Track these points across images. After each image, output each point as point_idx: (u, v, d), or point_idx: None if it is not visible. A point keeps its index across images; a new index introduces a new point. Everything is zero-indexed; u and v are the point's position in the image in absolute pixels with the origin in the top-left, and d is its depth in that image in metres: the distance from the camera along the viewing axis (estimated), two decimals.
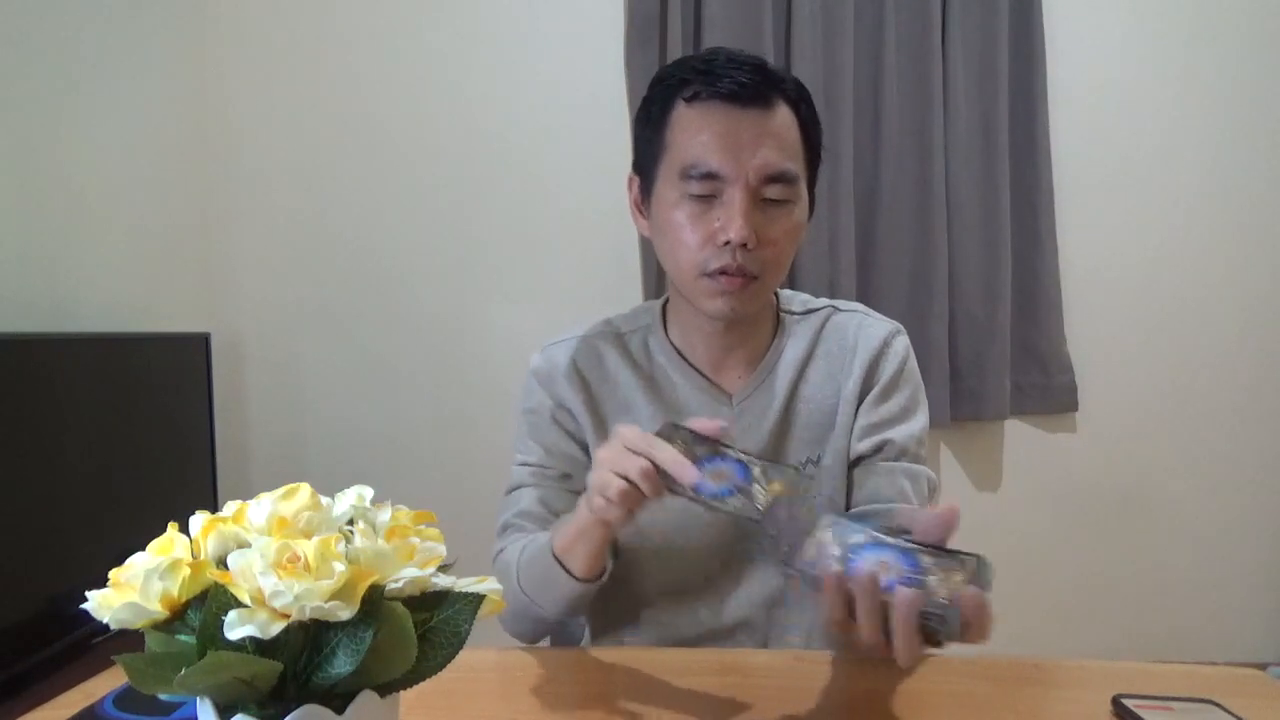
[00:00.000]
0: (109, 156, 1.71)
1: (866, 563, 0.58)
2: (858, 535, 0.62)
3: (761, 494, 0.64)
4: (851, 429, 0.94)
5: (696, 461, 0.66)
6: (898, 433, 0.93)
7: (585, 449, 0.95)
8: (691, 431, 0.70)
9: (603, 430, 0.95)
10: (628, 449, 0.68)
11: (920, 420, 0.96)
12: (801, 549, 0.62)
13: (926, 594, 0.55)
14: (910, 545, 0.60)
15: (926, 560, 0.58)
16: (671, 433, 0.70)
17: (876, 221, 2.12)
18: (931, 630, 0.55)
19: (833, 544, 0.61)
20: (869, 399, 0.94)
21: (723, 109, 0.84)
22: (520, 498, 0.94)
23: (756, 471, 0.66)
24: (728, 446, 0.69)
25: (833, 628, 0.60)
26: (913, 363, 0.98)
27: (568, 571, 0.79)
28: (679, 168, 0.85)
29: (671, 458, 0.66)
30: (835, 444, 0.94)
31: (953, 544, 0.61)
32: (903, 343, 0.97)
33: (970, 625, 0.54)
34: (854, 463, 0.94)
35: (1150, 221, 2.21)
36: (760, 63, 0.86)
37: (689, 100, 0.86)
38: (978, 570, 0.57)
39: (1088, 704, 0.71)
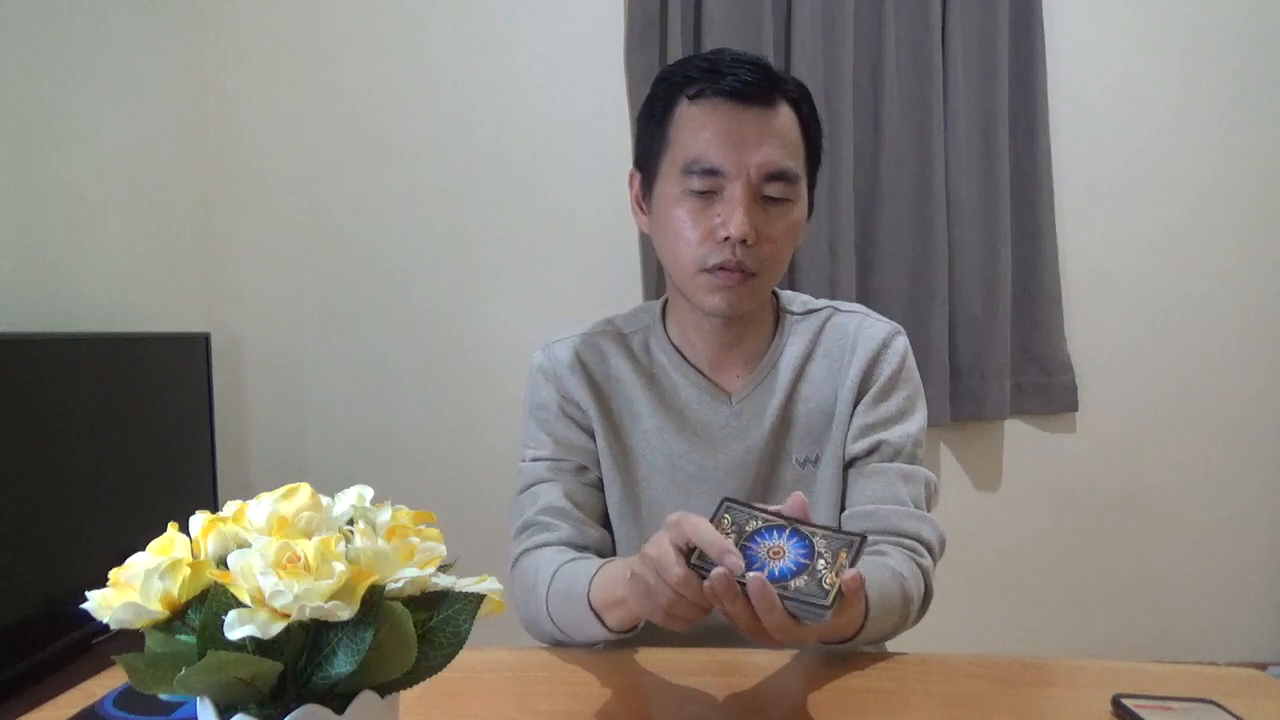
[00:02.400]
0: (109, 156, 1.71)
1: (761, 550, 0.62)
2: (754, 521, 0.64)
3: (826, 574, 0.59)
4: (848, 429, 0.94)
5: (747, 538, 0.63)
6: (893, 433, 0.93)
7: (594, 439, 0.95)
8: (743, 506, 0.66)
9: (609, 422, 0.95)
10: (669, 543, 0.63)
11: (918, 421, 0.96)
12: (697, 550, 0.63)
13: (812, 580, 0.59)
14: (803, 527, 0.63)
15: (819, 543, 0.61)
16: (721, 512, 0.66)
17: (876, 221, 2.12)
18: (799, 614, 0.58)
19: (730, 532, 0.63)
20: (866, 399, 0.94)
21: (726, 106, 0.85)
22: (540, 494, 0.93)
23: (819, 544, 0.62)
24: (771, 514, 0.65)
25: (744, 630, 0.62)
26: (911, 364, 0.98)
27: (603, 623, 0.77)
28: (681, 164, 0.86)
29: (712, 541, 0.61)
30: (833, 444, 0.94)
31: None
32: (902, 343, 0.97)
33: (848, 604, 0.59)
34: (849, 463, 0.94)
35: (1150, 221, 2.21)
36: (763, 62, 0.87)
37: (693, 98, 0.86)
38: (861, 547, 0.61)
39: (1088, 704, 0.71)
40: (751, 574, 0.58)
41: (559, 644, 0.87)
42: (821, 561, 0.60)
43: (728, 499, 0.67)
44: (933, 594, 0.87)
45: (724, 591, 0.59)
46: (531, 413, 0.98)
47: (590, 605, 0.77)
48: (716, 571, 0.59)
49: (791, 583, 0.59)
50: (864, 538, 0.61)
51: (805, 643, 0.62)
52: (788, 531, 0.63)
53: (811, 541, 0.62)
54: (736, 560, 0.60)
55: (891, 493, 0.90)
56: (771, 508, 0.66)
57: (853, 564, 0.59)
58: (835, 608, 0.58)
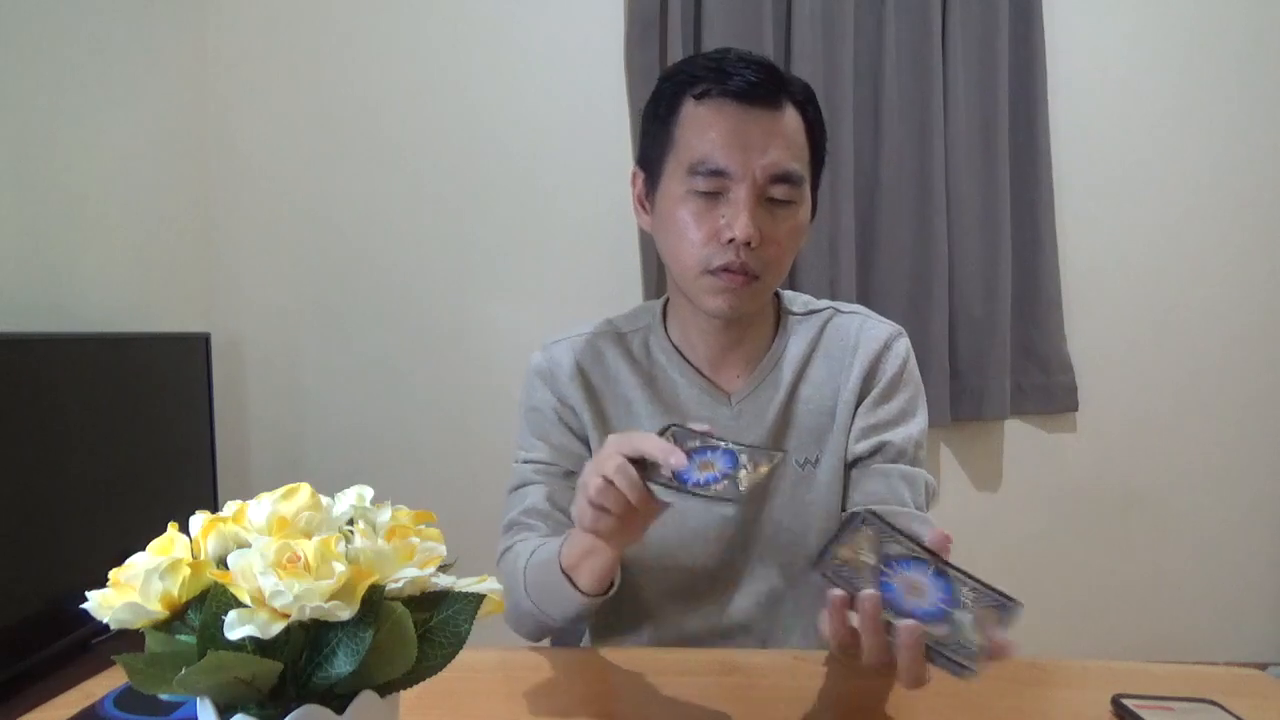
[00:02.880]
0: (109, 157, 1.71)
1: (899, 582, 0.57)
2: (895, 547, 0.61)
3: (746, 477, 0.64)
4: (850, 430, 0.94)
5: (687, 453, 0.65)
6: (896, 434, 0.93)
7: (588, 446, 0.95)
8: (685, 428, 0.70)
9: (604, 427, 0.95)
10: (609, 451, 0.67)
11: (919, 423, 0.96)
12: (831, 553, 0.60)
13: (953, 633, 0.54)
14: (950, 571, 0.58)
15: (966, 594, 0.56)
16: (665, 431, 0.70)
17: (876, 221, 2.12)
18: (942, 666, 0.53)
19: (868, 552, 0.60)
20: (868, 400, 0.94)
21: (732, 107, 0.84)
22: (526, 495, 0.94)
23: (743, 458, 0.66)
24: (719, 439, 0.69)
25: (835, 649, 0.59)
26: (913, 365, 0.98)
27: (575, 586, 0.77)
28: (686, 164, 0.86)
29: (656, 445, 0.65)
30: (834, 445, 0.94)
31: (952, 543, 0.61)
32: (903, 345, 0.97)
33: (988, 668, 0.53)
34: (851, 464, 0.94)
35: (1150, 221, 2.21)
36: (769, 64, 0.87)
37: (699, 97, 0.86)
38: (1013, 617, 0.55)
39: (1088, 704, 0.71)
40: (908, 624, 0.54)
41: (542, 629, 0.87)
42: (743, 470, 0.62)
43: (670, 424, 0.71)
44: None
45: (870, 613, 0.55)
46: (526, 414, 0.98)
47: (561, 568, 0.78)
48: (866, 593, 0.55)
49: (714, 486, 0.61)
50: (1020, 605, 0.56)
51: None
52: (721, 449, 0.65)
53: (738, 455, 0.64)
54: (681, 459, 0.63)
55: (895, 494, 0.91)
56: (908, 535, 0.63)
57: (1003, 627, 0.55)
58: (969, 666, 0.53)
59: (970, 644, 0.53)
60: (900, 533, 0.62)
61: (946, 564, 0.59)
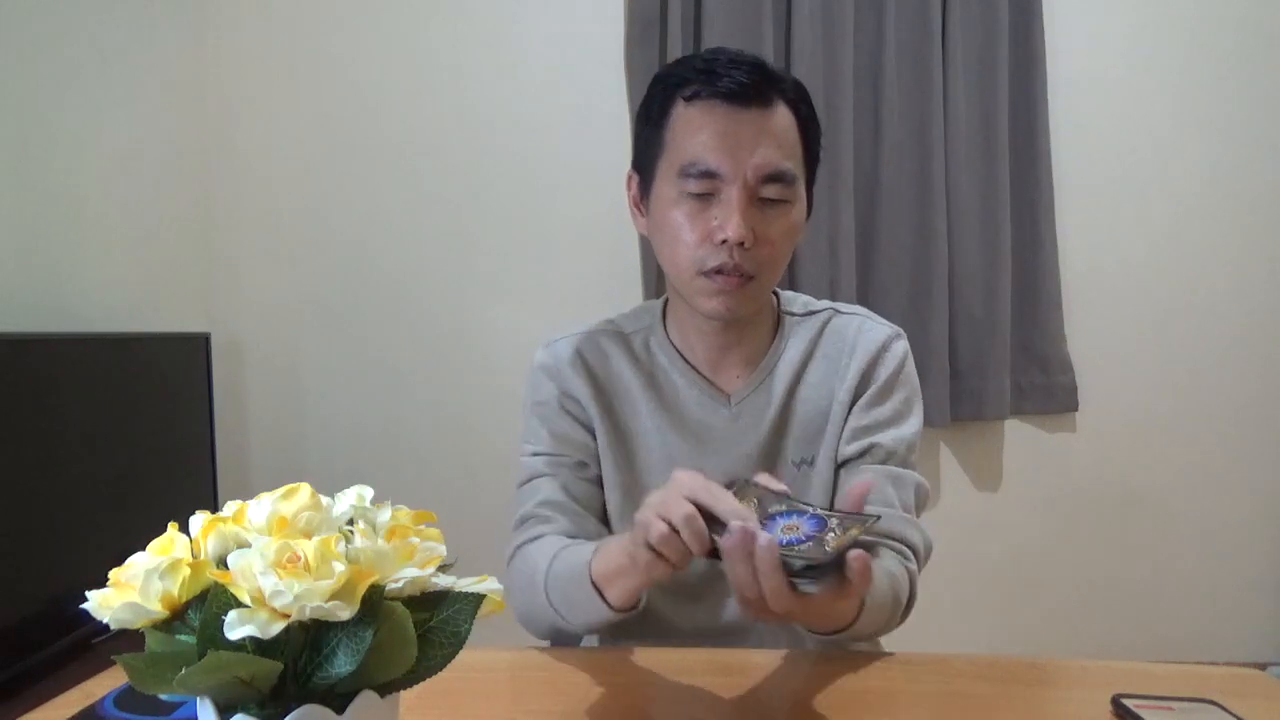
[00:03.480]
0: (109, 156, 1.71)
1: (775, 525, 0.61)
2: (778, 504, 0.64)
3: (833, 540, 0.60)
4: (842, 430, 0.94)
5: (769, 516, 0.63)
6: (887, 436, 0.93)
7: (594, 436, 0.96)
8: (763, 487, 0.67)
9: (610, 419, 0.95)
10: (680, 495, 0.63)
11: (913, 425, 0.95)
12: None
13: (813, 546, 0.58)
14: (822, 511, 0.62)
15: (833, 521, 0.61)
16: (743, 487, 0.67)
17: (876, 222, 2.12)
18: (798, 575, 0.58)
19: (754, 511, 0.63)
20: (862, 401, 0.94)
21: (722, 108, 0.84)
22: (539, 488, 0.93)
23: (832, 522, 0.62)
24: (802, 502, 0.65)
25: (739, 590, 0.61)
26: (910, 367, 0.97)
27: (604, 599, 0.75)
28: (678, 166, 0.86)
29: (732, 509, 0.62)
30: (828, 445, 0.94)
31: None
32: (901, 347, 0.97)
33: (851, 584, 0.57)
34: (840, 464, 0.94)
35: (1150, 221, 2.21)
36: (760, 63, 0.86)
37: (689, 99, 0.86)
38: (872, 524, 0.60)
39: (1088, 704, 0.71)
40: (764, 535, 0.58)
41: (557, 632, 0.86)
42: (830, 534, 0.60)
43: (751, 482, 0.68)
44: (915, 600, 0.87)
45: (738, 545, 0.58)
46: (532, 409, 0.98)
47: (591, 580, 0.76)
48: (738, 524, 0.59)
49: (798, 547, 0.60)
50: (876, 516, 0.62)
51: (795, 619, 0.62)
52: (808, 515, 0.63)
53: (826, 520, 0.62)
54: (763, 538, 0.59)
55: (879, 495, 0.89)
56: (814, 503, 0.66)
57: (866, 541, 0.59)
58: (833, 578, 0.57)
59: (828, 549, 0.58)
60: (783, 495, 0.66)
61: (826, 509, 0.63)
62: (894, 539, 0.88)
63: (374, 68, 2.09)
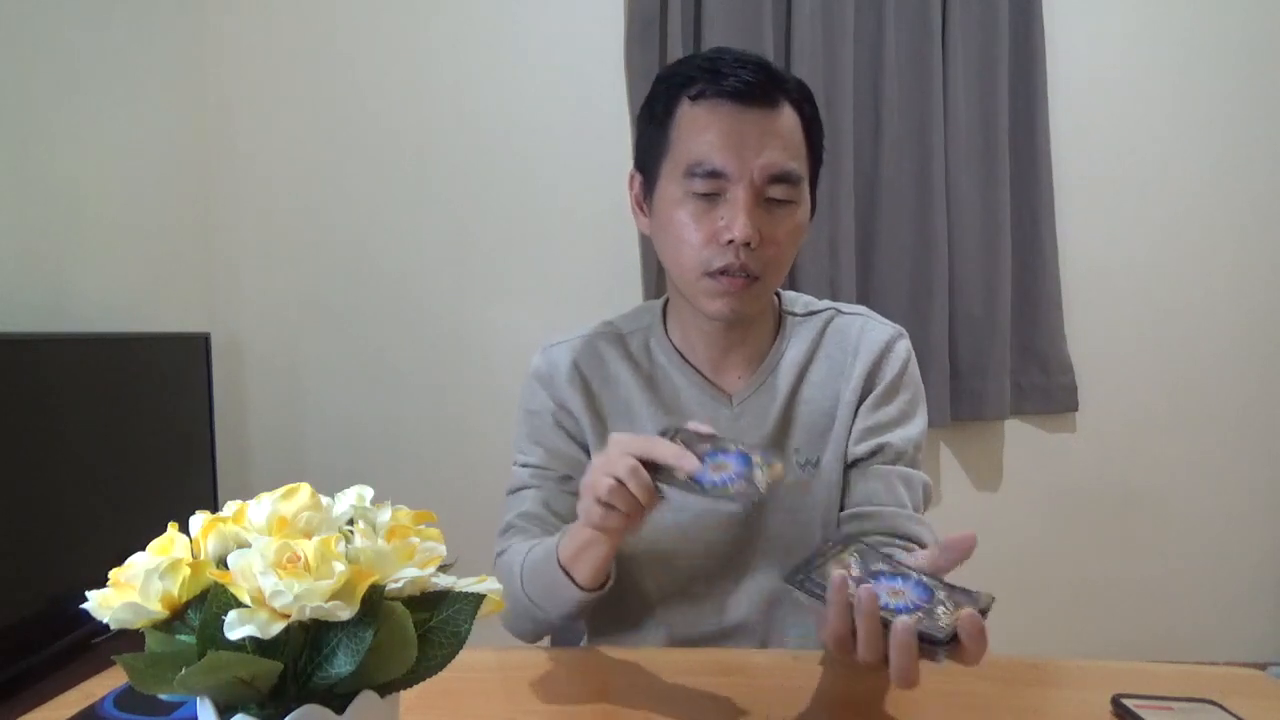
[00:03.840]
0: (109, 156, 1.71)
1: (882, 589, 0.60)
2: (880, 564, 0.63)
3: (762, 477, 0.65)
4: (850, 431, 0.94)
5: (700, 456, 0.67)
6: (895, 436, 0.93)
7: (586, 451, 0.95)
8: (692, 431, 0.71)
9: (603, 432, 0.95)
10: (621, 451, 0.68)
11: (919, 425, 0.95)
12: (815, 566, 0.62)
13: (929, 619, 0.57)
14: (928, 579, 0.61)
15: (941, 593, 0.60)
16: (673, 435, 0.71)
17: (876, 222, 2.12)
18: (926, 654, 0.56)
19: (854, 568, 0.62)
20: (868, 402, 0.94)
21: (728, 108, 0.84)
22: (523, 499, 0.94)
23: (756, 458, 0.67)
24: (727, 441, 0.70)
25: (831, 644, 0.60)
26: (914, 367, 0.97)
27: (572, 580, 0.78)
28: (683, 165, 0.85)
29: (670, 450, 0.67)
30: (834, 446, 0.94)
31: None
32: (905, 346, 0.97)
33: (966, 650, 0.56)
34: (850, 465, 0.94)
35: (1150, 221, 2.21)
36: (765, 63, 0.86)
37: (694, 98, 0.86)
38: (987, 606, 0.58)
39: (1088, 704, 0.71)
40: (902, 619, 0.56)
41: (538, 627, 0.88)
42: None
43: (672, 425, 0.73)
44: None
45: (867, 607, 0.57)
46: (525, 418, 0.98)
47: (559, 563, 0.79)
48: (864, 588, 0.58)
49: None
50: (989, 596, 0.59)
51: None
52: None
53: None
54: (694, 463, 0.65)
55: (893, 495, 0.90)
56: (909, 560, 0.65)
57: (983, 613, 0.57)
58: (948, 653, 0.56)
59: (943, 625, 0.56)
60: (887, 557, 0.65)
61: (926, 574, 0.62)
62: (907, 539, 0.88)
63: (374, 67, 2.09)
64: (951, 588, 0.61)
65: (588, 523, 0.72)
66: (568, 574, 0.79)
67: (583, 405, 0.95)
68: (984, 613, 0.57)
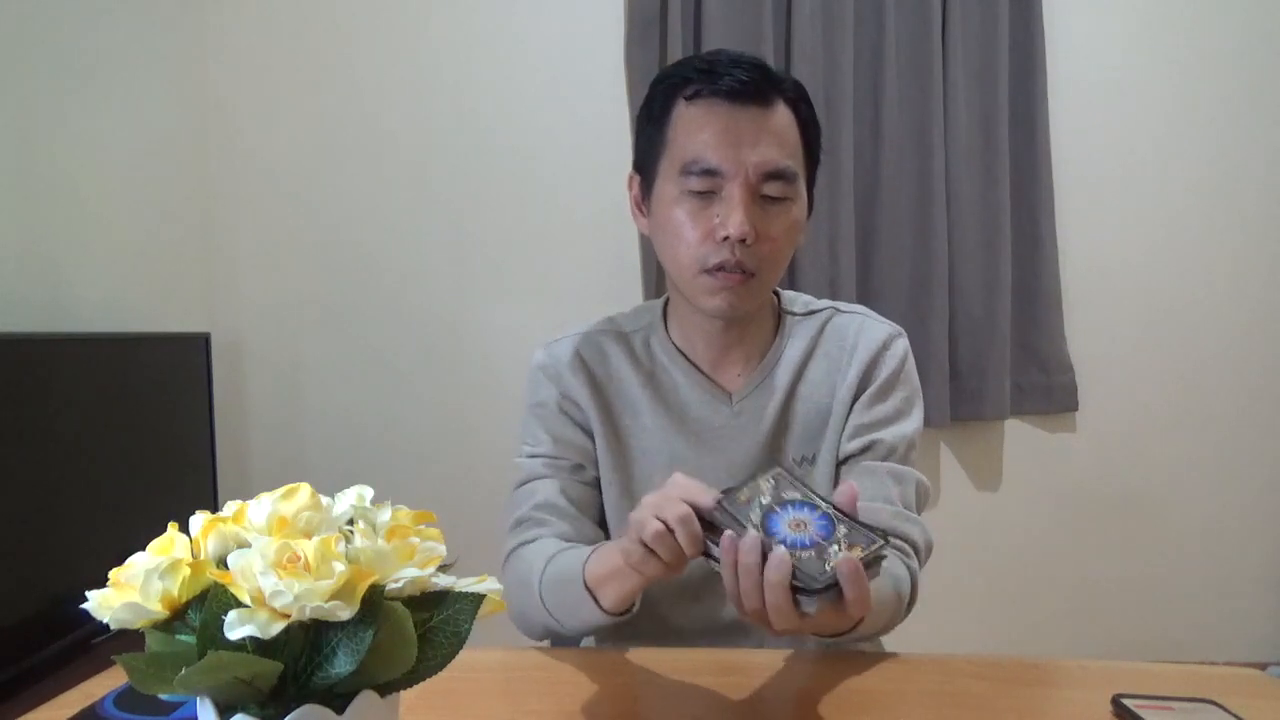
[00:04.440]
0: (109, 156, 1.71)
1: (784, 520, 0.60)
2: (793, 492, 0.63)
3: (835, 557, 0.58)
4: (844, 428, 0.94)
5: (780, 503, 0.62)
6: (888, 433, 0.93)
7: (592, 439, 0.96)
8: (783, 469, 0.67)
9: (609, 421, 0.95)
10: (676, 495, 0.64)
11: (913, 423, 0.95)
12: (732, 499, 0.62)
13: (817, 559, 0.57)
14: (836, 513, 0.61)
15: (841, 529, 0.59)
16: (764, 468, 0.67)
17: (876, 221, 2.12)
18: (802, 595, 0.57)
19: (767, 495, 0.62)
20: (863, 399, 0.94)
21: (723, 107, 0.85)
22: (536, 490, 0.93)
23: (840, 531, 0.60)
24: (818, 495, 0.64)
25: (732, 600, 0.61)
26: (911, 366, 0.98)
27: (597, 603, 0.76)
28: (679, 164, 0.86)
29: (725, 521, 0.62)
30: (829, 443, 0.94)
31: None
32: (902, 345, 0.97)
33: (845, 598, 0.56)
34: (842, 461, 0.94)
35: (1150, 221, 2.21)
36: (761, 63, 0.87)
37: (690, 98, 0.87)
38: (879, 556, 0.58)
39: (1088, 704, 0.71)
40: (778, 551, 0.57)
41: (552, 635, 0.86)
42: (834, 547, 0.58)
43: (781, 466, 0.68)
44: (917, 597, 0.87)
45: (748, 550, 0.58)
46: (531, 410, 0.98)
47: (585, 583, 0.76)
48: (751, 534, 0.59)
49: (800, 553, 0.58)
50: (886, 540, 0.59)
51: (798, 633, 0.60)
52: (819, 512, 0.62)
53: (835, 528, 0.60)
54: (753, 537, 0.60)
55: (881, 491, 0.90)
56: (820, 491, 0.65)
57: (867, 564, 0.57)
58: (825, 596, 0.56)
59: (827, 569, 0.56)
60: (802, 484, 0.64)
61: (839, 511, 0.62)
62: (895, 536, 0.88)
63: (374, 67, 2.09)
64: (857, 526, 0.60)
65: (626, 561, 0.68)
66: (593, 596, 0.76)
67: (588, 396, 0.95)
68: (874, 560, 0.57)
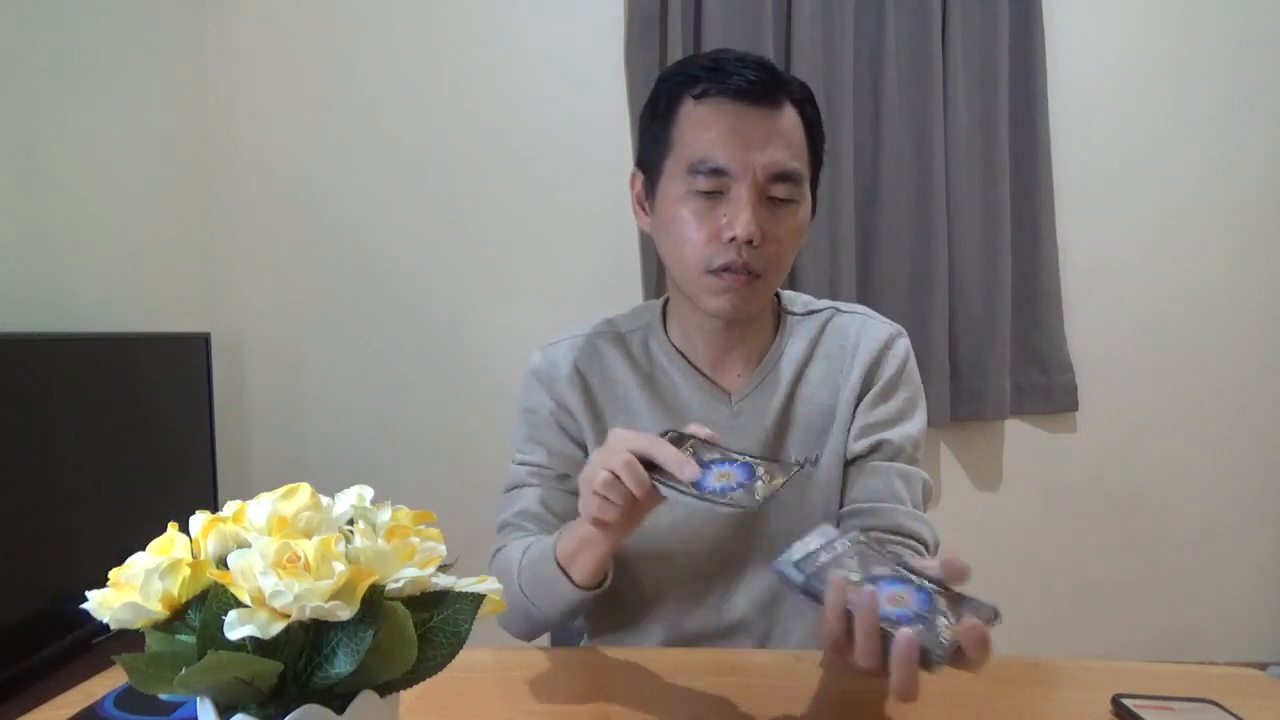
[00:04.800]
0: (109, 156, 1.71)
1: (883, 595, 0.58)
2: (883, 568, 0.62)
3: (762, 488, 0.65)
4: (849, 429, 0.94)
5: (703, 465, 0.67)
6: (894, 433, 0.93)
7: (585, 450, 0.95)
8: (697, 438, 0.71)
9: (602, 431, 0.95)
10: (619, 446, 0.68)
11: (918, 422, 0.96)
12: (814, 562, 0.62)
13: (930, 632, 0.55)
14: (930, 585, 0.60)
15: (942, 602, 0.59)
16: (675, 438, 0.71)
17: (876, 222, 2.12)
18: (924, 665, 0.55)
19: (855, 570, 0.61)
20: (867, 399, 0.94)
21: (732, 106, 0.85)
22: (520, 497, 0.94)
23: (760, 470, 0.67)
24: (734, 451, 0.70)
25: (829, 648, 0.59)
26: (913, 365, 0.98)
27: (569, 578, 0.79)
28: (686, 163, 0.86)
29: (671, 454, 0.67)
30: (833, 444, 0.94)
31: (951, 544, 0.62)
32: (904, 345, 0.97)
33: (969, 660, 0.55)
34: (849, 462, 0.94)
35: (1150, 221, 2.21)
36: (768, 63, 0.87)
37: (698, 97, 0.86)
38: (991, 617, 0.57)
39: (1088, 704, 0.71)
40: (904, 632, 0.55)
41: (535, 626, 0.87)
42: (759, 482, 0.64)
43: (676, 429, 0.72)
44: None
45: (866, 614, 0.56)
46: (523, 416, 0.98)
47: (556, 561, 0.79)
48: (865, 592, 0.57)
49: (730, 495, 0.63)
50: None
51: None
52: (739, 463, 0.67)
53: (754, 467, 0.66)
54: (695, 469, 0.65)
55: (891, 491, 0.91)
56: (915, 565, 0.63)
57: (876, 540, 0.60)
58: (945, 663, 0.55)
59: (943, 639, 0.55)
60: (889, 558, 0.63)
61: (927, 579, 0.61)
62: (908, 536, 0.88)
63: (374, 67, 2.09)
64: (954, 595, 0.59)
65: (584, 514, 0.72)
66: (565, 572, 0.79)
67: (582, 405, 0.95)
68: (988, 624, 0.56)
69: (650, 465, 0.68)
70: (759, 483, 0.66)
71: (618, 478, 0.67)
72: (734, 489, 0.65)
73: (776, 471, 0.67)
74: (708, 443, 0.71)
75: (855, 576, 0.60)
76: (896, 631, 0.55)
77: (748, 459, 0.69)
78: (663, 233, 0.90)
